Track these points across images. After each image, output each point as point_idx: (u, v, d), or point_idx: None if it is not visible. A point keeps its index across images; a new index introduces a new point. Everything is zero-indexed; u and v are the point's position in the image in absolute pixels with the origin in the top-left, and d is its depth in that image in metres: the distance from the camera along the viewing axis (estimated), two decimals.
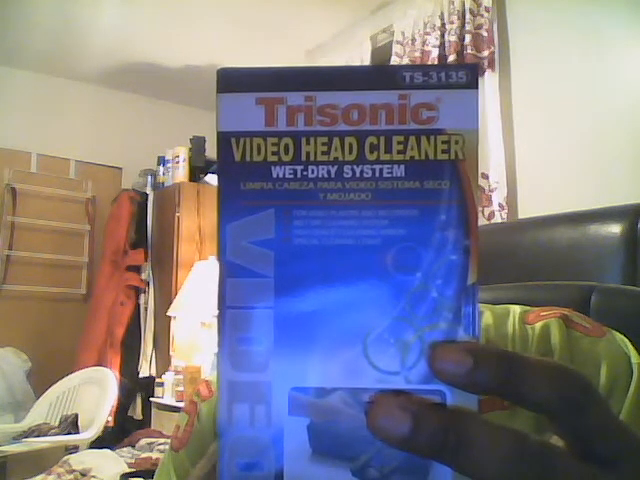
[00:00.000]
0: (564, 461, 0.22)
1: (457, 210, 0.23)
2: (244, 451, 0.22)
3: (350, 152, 0.23)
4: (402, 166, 0.23)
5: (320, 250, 0.23)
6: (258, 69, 0.23)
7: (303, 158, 0.23)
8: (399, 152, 0.23)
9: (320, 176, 0.23)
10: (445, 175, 0.23)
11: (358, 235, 0.23)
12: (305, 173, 0.23)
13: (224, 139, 0.23)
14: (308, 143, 0.23)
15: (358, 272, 0.23)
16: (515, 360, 0.22)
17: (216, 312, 0.23)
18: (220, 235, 0.23)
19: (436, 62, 2.55)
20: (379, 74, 0.24)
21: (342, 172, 0.23)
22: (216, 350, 0.23)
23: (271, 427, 0.22)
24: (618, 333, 0.49)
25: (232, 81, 0.23)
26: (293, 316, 0.23)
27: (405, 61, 2.75)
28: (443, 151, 0.23)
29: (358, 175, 0.23)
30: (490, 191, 2.39)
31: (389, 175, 0.23)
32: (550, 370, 0.22)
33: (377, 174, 0.23)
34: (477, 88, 0.23)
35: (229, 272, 0.23)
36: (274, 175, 0.23)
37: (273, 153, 0.23)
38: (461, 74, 0.23)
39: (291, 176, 0.23)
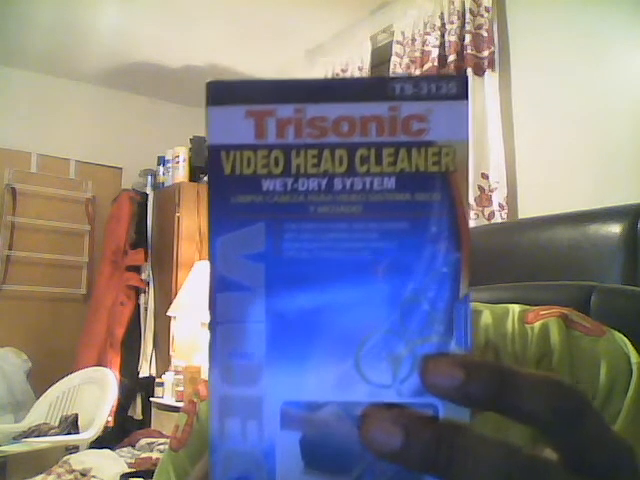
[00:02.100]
0: (557, 474, 0.22)
1: (448, 222, 0.23)
2: (236, 465, 0.22)
3: (340, 164, 0.23)
4: (393, 178, 0.23)
5: (311, 263, 0.23)
6: (248, 81, 0.23)
7: (293, 171, 0.23)
8: (390, 164, 0.23)
9: (310, 189, 0.23)
10: (436, 187, 0.23)
11: (349, 248, 0.23)
12: (295, 186, 0.23)
13: (214, 152, 0.23)
14: (298, 156, 0.23)
15: (349, 285, 0.23)
16: (507, 373, 0.22)
17: (207, 325, 0.23)
18: (211, 248, 0.23)
19: (436, 62, 2.55)
20: (369, 85, 0.23)
21: (332, 185, 0.23)
22: (207, 364, 0.23)
23: (263, 441, 0.22)
24: (618, 333, 0.49)
25: (221, 94, 0.23)
26: (284, 330, 0.22)
27: (405, 61, 2.74)
28: (434, 163, 0.23)
29: (348, 188, 0.23)
30: (490, 191, 2.39)
31: (380, 187, 0.23)
32: (543, 383, 0.22)
33: (368, 186, 0.23)
34: (467, 99, 0.23)
35: (220, 286, 0.23)
36: (264, 188, 0.23)
37: (263, 166, 0.23)
38: (451, 85, 0.23)
39: (281, 189, 0.23)
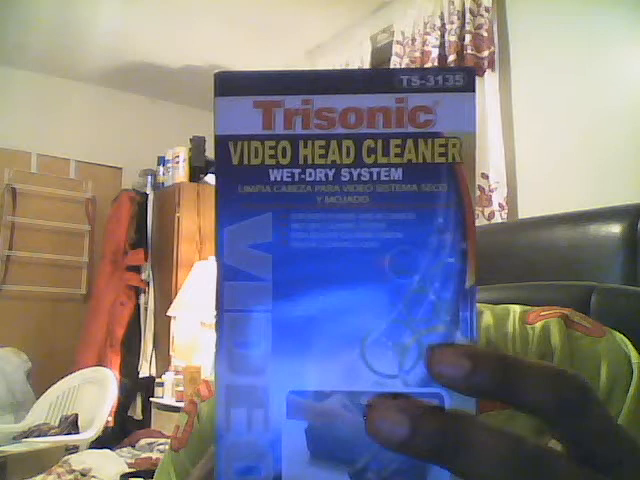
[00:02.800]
0: (561, 464, 0.22)
1: (454, 213, 0.23)
2: (242, 455, 0.22)
3: (348, 155, 0.23)
4: (400, 169, 0.23)
5: (318, 253, 0.23)
6: (256, 72, 0.23)
7: (301, 161, 0.23)
8: (397, 155, 0.23)
9: (318, 179, 0.23)
10: (442, 178, 0.23)
11: (356, 238, 0.23)
12: (303, 176, 0.23)
13: (222, 143, 0.23)
14: (306, 146, 0.23)
15: (356, 275, 0.23)
16: (513, 363, 0.22)
17: (214, 315, 0.23)
18: (218, 238, 0.23)
19: (436, 62, 2.55)
20: (376, 77, 0.24)
21: (340, 175, 0.23)
22: (214, 353, 0.23)
23: (269, 431, 0.22)
24: (618, 333, 0.49)
25: (230, 85, 0.23)
26: (291, 319, 0.23)
27: (405, 61, 2.74)
28: (440, 154, 0.23)
29: (356, 178, 0.23)
30: (490, 191, 2.39)
31: (387, 178, 0.23)
32: (548, 373, 0.22)
33: (375, 177, 0.23)
34: (474, 91, 0.23)
35: (227, 275, 0.23)
36: (272, 178, 0.23)
37: (271, 156, 0.23)
38: (458, 77, 0.23)
39: (289, 179, 0.23)
